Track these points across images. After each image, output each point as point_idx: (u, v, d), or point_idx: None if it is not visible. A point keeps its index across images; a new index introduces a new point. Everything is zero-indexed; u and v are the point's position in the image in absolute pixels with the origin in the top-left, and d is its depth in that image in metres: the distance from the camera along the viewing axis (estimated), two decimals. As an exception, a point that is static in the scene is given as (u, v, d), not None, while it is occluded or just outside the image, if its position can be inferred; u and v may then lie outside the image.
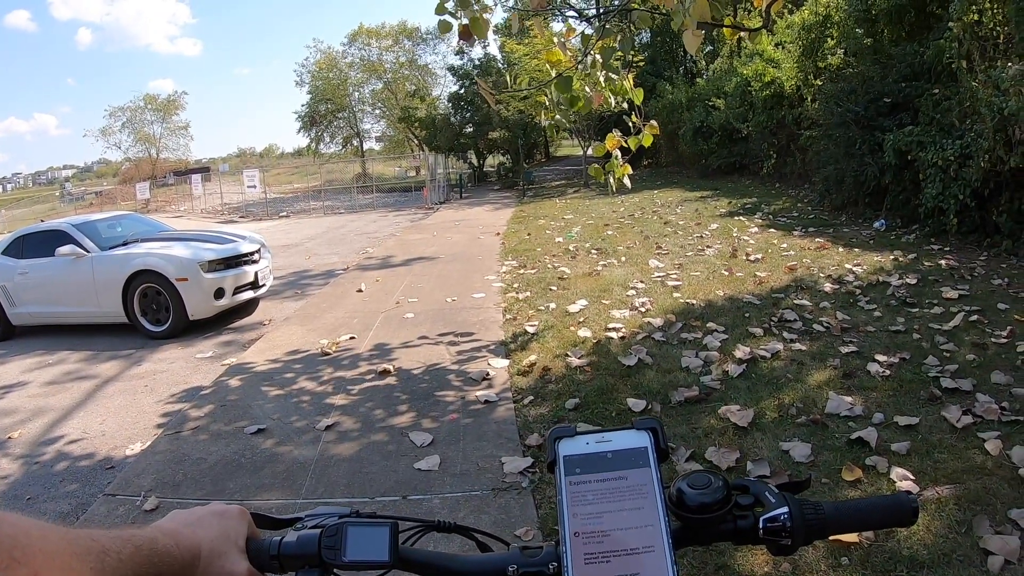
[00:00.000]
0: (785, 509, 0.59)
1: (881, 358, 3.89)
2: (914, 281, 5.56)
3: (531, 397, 4.00)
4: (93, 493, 3.41)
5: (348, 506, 0.68)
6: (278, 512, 0.72)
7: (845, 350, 4.10)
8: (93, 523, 3.02)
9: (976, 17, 7.32)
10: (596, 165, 3.75)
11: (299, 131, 46.77)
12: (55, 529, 0.44)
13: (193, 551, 0.57)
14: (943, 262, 6.14)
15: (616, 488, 0.53)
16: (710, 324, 4.90)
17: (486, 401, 4.00)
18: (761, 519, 0.59)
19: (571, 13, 4.45)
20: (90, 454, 3.94)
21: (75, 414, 4.65)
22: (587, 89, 3.61)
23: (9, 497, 3.50)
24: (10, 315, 7.06)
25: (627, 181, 3.86)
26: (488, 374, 4.45)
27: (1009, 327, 4.21)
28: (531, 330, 5.32)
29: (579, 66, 3.51)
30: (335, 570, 0.63)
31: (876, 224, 8.42)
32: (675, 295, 5.90)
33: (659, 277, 6.67)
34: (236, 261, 6.89)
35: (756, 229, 9.03)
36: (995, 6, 7.17)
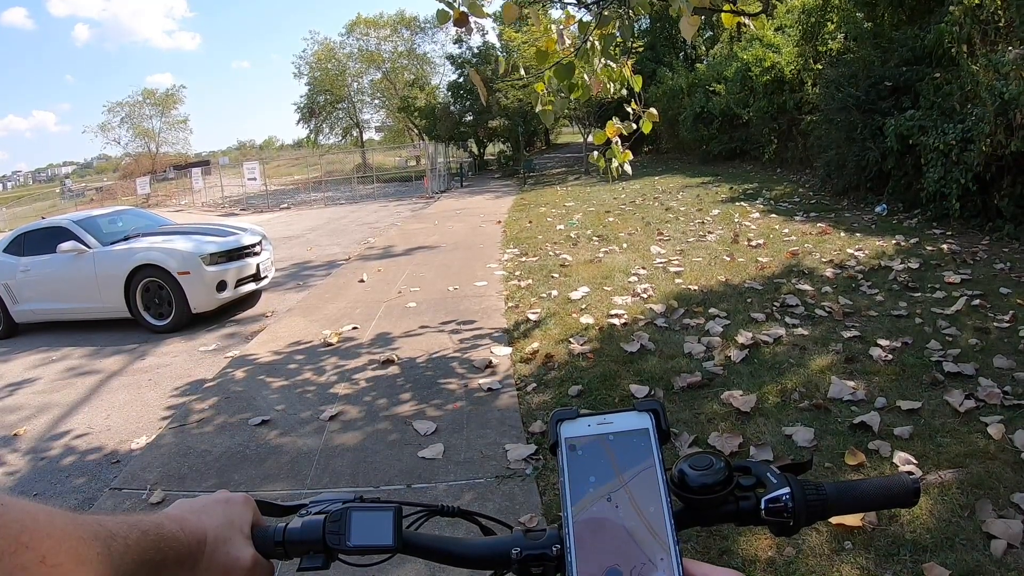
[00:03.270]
0: (787, 490, 0.59)
1: (883, 343, 3.89)
2: (916, 266, 5.55)
3: (534, 384, 4.01)
4: (99, 487, 3.43)
5: (353, 493, 0.68)
6: (283, 501, 0.72)
7: (847, 335, 4.10)
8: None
9: (977, 1, 7.26)
10: (597, 153, 3.74)
11: (298, 122, 46.71)
12: (62, 514, 0.44)
13: (199, 537, 0.58)
14: (945, 246, 6.12)
15: None
16: (712, 310, 4.90)
17: (489, 389, 4.01)
18: (763, 500, 0.59)
19: (569, 0, 4.42)
20: (96, 449, 3.96)
21: (80, 409, 4.68)
22: (586, 76, 3.59)
23: (17, 493, 3.52)
24: (13, 312, 7.08)
25: (628, 168, 3.85)
26: (491, 362, 4.46)
27: (1011, 311, 4.21)
28: (533, 318, 5.33)
29: (576, 53, 3.50)
30: (340, 555, 0.63)
31: (878, 209, 8.39)
32: (677, 281, 5.90)
33: (661, 263, 6.67)
34: (238, 254, 6.89)
35: (757, 215, 9.01)
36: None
